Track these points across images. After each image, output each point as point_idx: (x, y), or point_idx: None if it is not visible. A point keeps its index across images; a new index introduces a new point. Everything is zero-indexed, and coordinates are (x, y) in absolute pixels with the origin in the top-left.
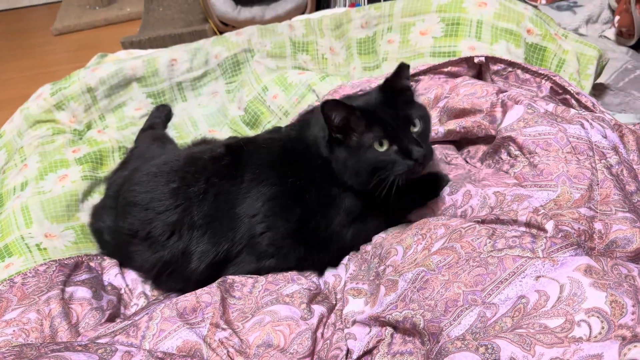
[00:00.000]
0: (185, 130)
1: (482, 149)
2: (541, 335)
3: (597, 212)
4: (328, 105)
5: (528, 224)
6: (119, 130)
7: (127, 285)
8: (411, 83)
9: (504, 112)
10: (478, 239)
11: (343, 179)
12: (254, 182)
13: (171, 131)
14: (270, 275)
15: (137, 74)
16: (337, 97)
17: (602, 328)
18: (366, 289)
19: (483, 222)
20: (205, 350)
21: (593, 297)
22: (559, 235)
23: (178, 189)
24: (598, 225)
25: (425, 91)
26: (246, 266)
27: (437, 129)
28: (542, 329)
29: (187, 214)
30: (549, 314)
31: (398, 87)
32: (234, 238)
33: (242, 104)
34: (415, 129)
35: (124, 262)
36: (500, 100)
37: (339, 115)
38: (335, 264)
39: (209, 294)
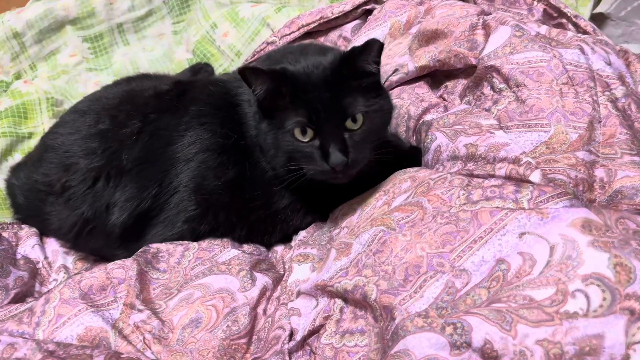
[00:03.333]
0: (126, 75)
1: (462, 82)
2: (525, 311)
3: (599, 156)
4: (248, 73)
5: (508, 178)
6: (50, 80)
7: (45, 258)
8: (375, 6)
9: (487, 36)
10: (449, 190)
11: (266, 155)
12: (195, 120)
13: (109, 77)
14: (204, 241)
15: (70, 15)
16: (293, 30)
17: (604, 300)
18: (315, 253)
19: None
20: (113, 338)
21: (592, 260)
22: (550, 185)
23: (107, 131)
24: (600, 172)
25: (397, 11)
26: (170, 229)
27: (408, 64)
28: (526, 303)
29: (114, 157)
30: (535, 283)
31: (359, 69)
32: (163, 182)
33: (190, 45)
34: (355, 127)
35: (42, 229)
36: (481, 21)
37: (262, 87)
38: (282, 241)
39: (122, 268)
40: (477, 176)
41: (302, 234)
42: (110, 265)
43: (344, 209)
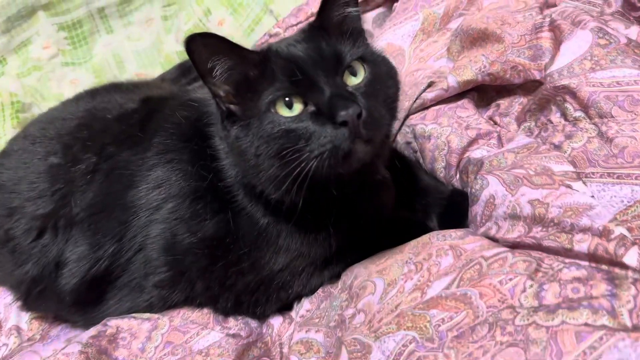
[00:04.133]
0: (107, 73)
1: (519, 101)
2: None
3: None
4: (196, 43)
5: (592, 257)
6: (18, 78)
7: None
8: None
9: (555, 42)
10: (510, 279)
11: (247, 180)
12: (160, 157)
13: (88, 75)
14: (177, 313)
15: None
16: (300, 19)
17: None
18: (321, 341)
19: (515, 246)
20: None
21: None
22: None
23: (58, 167)
24: None
25: (431, 0)
26: (137, 295)
27: (447, 78)
28: None
29: (64, 203)
30: None
31: (333, 21)
32: (123, 237)
33: (180, 34)
34: (357, 80)
35: None
36: (548, 21)
37: (222, 62)
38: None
39: None
40: (548, 250)
41: (305, 304)
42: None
43: (360, 279)
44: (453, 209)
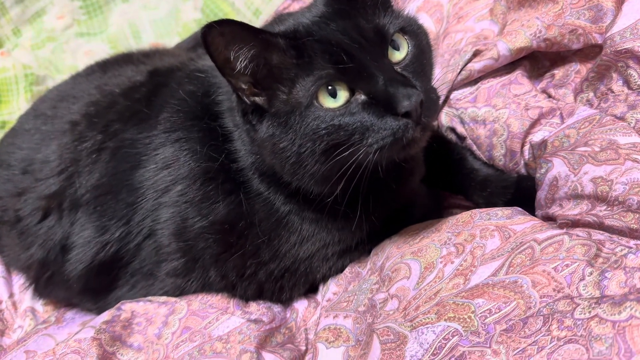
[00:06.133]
0: (123, 44)
1: (576, 69)
2: None
3: None
4: (213, 34)
5: None
6: (33, 50)
7: (10, 296)
8: None
9: (618, 1)
10: (567, 266)
11: (284, 178)
12: (167, 135)
13: (103, 46)
14: (195, 296)
15: None
16: None
17: None
18: (349, 327)
19: (575, 224)
20: None
21: None
22: None
23: (66, 146)
24: None
25: None
26: (150, 283)
27: (497, 45)
28: None
29: (71, 183)
30: None
31: None
32: (131, 220)
33: (198, 2)
34: (401, 56)
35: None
36: None
37: (244, 52)
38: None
39: (76, 354)
40: (611, 229)
41: (332, 286)
42: (60, 349)
43: (392, 260)
44: (522, 195)
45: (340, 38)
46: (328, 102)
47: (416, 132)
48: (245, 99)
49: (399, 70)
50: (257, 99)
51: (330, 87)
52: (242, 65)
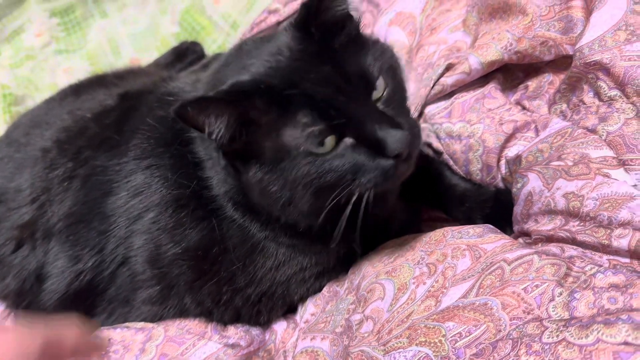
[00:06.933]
0: (102, 59)
1: (549, 80)
2: None
3: None
4: (190, 113)
5: (634, 253)
6: (11, 69)
7: None
8: None
9: (587, 11)
10: (537, 286)
11: (271, 213)
12: (138, 162)
13: (82, 62)
14: (173, 321)
15: None
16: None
17: None
18: (326, 350)
19: (549, 240)
20: None
21: None
22: None
23: (38, 173)
24: None
25: None
26: (127, 311)
27: (469, 58)
28: None
29: (43, 213)
30: None
31: (328, 19)
32: (105, 249)
33: (176, 15)
34: (379, 93)
35: None
36: None
37: (225, 121)
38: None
39: None
40: (584, 245)
41: (309, 307)
42: None
43: (367, 280)
44: (499, 209)
45: (326, 92)
46: (316, 149)
47: (402, 167)
48: (229, 150)
49: (381, 108)
50: (240, 148)
51: (318, 137)
52: (221, 133)
